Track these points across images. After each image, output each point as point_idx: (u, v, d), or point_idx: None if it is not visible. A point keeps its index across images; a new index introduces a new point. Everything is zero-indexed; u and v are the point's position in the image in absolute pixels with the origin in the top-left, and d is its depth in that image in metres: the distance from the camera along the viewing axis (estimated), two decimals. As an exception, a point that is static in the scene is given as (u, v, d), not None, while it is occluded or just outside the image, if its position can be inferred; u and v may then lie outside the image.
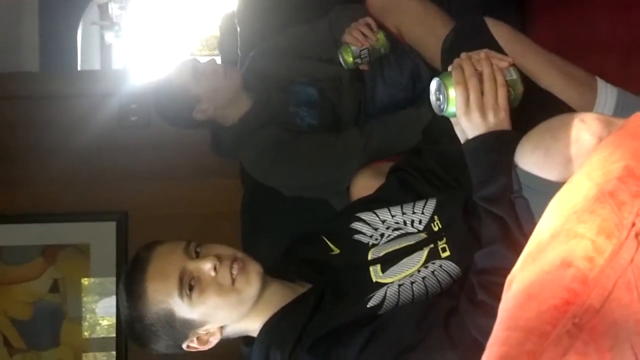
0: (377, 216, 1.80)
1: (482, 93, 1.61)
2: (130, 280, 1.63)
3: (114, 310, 3.08)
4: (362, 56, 2.33)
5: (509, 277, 0.96)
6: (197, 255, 1.62)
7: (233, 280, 1.60)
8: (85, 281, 3.14)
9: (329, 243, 1.77)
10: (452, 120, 1.68)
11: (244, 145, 2.55)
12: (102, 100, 3.26)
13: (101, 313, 3.15)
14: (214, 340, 1.66)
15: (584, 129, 1.45)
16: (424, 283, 1.60)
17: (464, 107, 1.61)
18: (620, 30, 2.32)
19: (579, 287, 0.85)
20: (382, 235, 1.75)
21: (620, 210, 0.89)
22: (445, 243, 1.67)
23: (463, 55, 1.67)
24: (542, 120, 1.61)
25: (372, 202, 1.87)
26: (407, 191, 1.89)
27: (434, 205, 1.78)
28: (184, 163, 3.13)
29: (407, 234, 1.74)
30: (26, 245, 3.12)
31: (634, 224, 0.87)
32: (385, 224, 1.78)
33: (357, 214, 1.81)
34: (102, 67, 6.22)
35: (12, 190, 3.16)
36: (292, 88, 2.55)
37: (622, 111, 1.86)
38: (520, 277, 0.94)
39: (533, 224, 1.03)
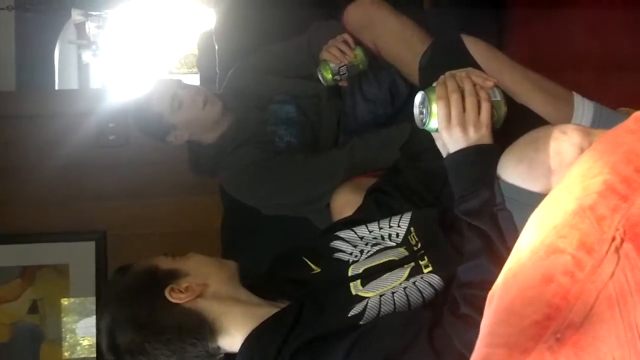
0: (355, 233, 1.81)
1: (464, 109, 1.61)
2: (114, 271, 1.76)
3: (94, 330, 3.05)
4: (340, 73, 2.33)
5: (491, 293, 0.96)
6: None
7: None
8: (64, 301, 3.11)
9: (309, 263, 1.77)
10: (434, 135, 1.68)
11: (222, 164, 2.55)
12: (79, 119, 3.24)
13: (81, 333, 3.12)
14: (196, 289, 1.66)
15: (565, 140, 1.47)
16: (405, 293, 1.60)
17: (446, 122, 1.61)
18: (596, 45, 2.34)
19: (560, 303, 0.85)
20: (361, 251, 1.75)
21: (600, 225, 0.89)
22: (428, 261, 1.67)
23: (448, 72, 1.68)
24: (520, 135, 1.62)
25: (351, 222, 1.88)
26: (384, 212, 1.89)
27: (409, 218, 1.80)
28: (163, 181, 3.12)
29: (386, 248, 1.75)
30: (4, 267, 3.09)
31: (613, 239, 0.87)
32: (363, 240, 1.78)
33: (336, 233, 1.81)
34: (79, 86, 6.19)
35: (-12, 211, 3.14)
36: (271, 107, 2.55)
37: (599, 125, 1.87)
38: (501, 292, 0.94)
39: (517, 237, 1.03)
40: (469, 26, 2.65)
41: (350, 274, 1.69)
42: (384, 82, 2.46)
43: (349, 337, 1.52)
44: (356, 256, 1.74)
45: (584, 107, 1.94)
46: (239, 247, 2.72)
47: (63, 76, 5.74)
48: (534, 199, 1.34)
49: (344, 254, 1.76)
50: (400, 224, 1.79)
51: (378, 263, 1.69)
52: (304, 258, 1.78)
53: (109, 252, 3.13)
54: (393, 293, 1.60)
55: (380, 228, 1.80)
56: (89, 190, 3.19)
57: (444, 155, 1.67)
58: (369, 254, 1.74)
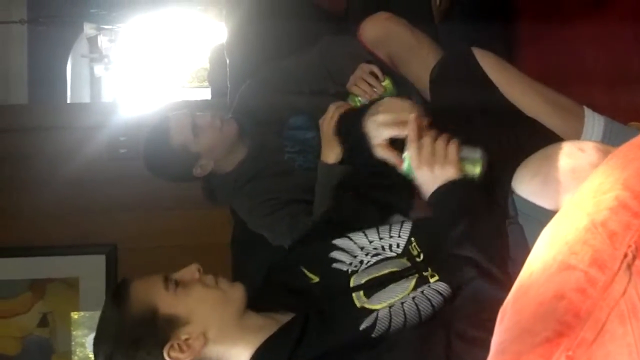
0: (354, 242, 1.79)
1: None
2: (112, 297, 1.66)
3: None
4: None
5: (502, 309, 0.96)
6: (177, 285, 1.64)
7: (217, 283, 1.65)
8: (74, 315, 3.11)
9: (308, 272, 1.76)
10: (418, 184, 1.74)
11: (238, 195, 2.54)
12: (91, 132, 3.26)
13: (91, 347, 3.11)
14: (196, 346, 1.60)
15: (581, 158, 1.46)
16: (414, 302, 1.59)
17: (415, 162, 1.68)
18: (605, 60, 2.34)
19: (572, 320, 0.84)
20: (361, 262, 1.74)
21: (612, 241, 0.88)
22: (432, 271, 1.67)
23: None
24: (529, 149, 1.62)
25: (347, 229, 1.85)
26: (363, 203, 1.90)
27: (409, 228, 1.79)
28: (174, 194, 3.12)
29: (387, 258, 1.74)
30: (14, 280, 3.10)
31: (625, 255, 0.87)
32: (363, 250, 1.77)
33: (334, 242, 1.79)
34: (91, 99, 6.22)
35: (0, 223, 3.15)
36: (288, 132, 2.54)
37: (609, 140, 1.87)
38: (513, 309, 0.93)
39: (526, 251, 1.03)
40: (479, 40, 2.66)
41: (352, 284, 1.69)
42: (399, 95, 2.44)
43: (367, 354, 1.52)
44: (356, 266, 1.73)
45: (594, 122, 1.94)
46: (249, 261, 2.72)
47: (75, 89, 5.78)
48: (545, 216, 1.34)
49: (343, 264, 1.74)
50: (400, 234, 1.79)
51: (380, 274, 1.69)
52: (302, 268, 1.77)
53: (119, 265, 3.14)
54: (402, 303, 1.59)
55: (381, 238, 1.79)
56: (100, 203, 3.20)
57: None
58: (368, 264, 1.73)
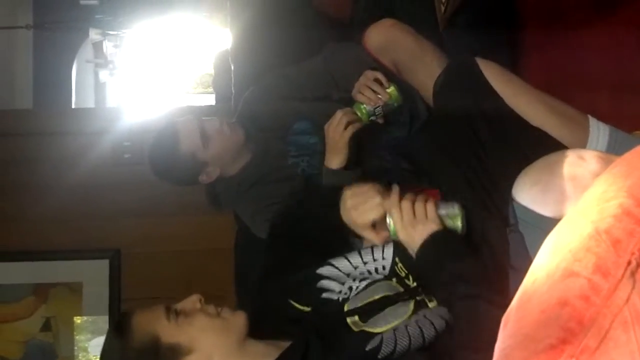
0: (339, 270, 1.80)
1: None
2: (114, 329, 1.68)
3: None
4: (376, 113, 2.29)
5: (505, 316, 0.96)
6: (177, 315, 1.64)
7: (219, 312, 1.65)
8: (77, 320, 3.11)
9: (297, 305, 1.76)
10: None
11: (242, 199, 2.54)
12: (95, 137, 3.27)
13: (94, 352, 3.12)
14: None
15: (582, 166, 1.47)
16: (418, 325, 1.61)
17: (399, 225, 1.73)
18: (611, 68, 2.33)
19: (576, 327, 0.84)
20: (350, 288, 1.75)
21: (616, 249, 0.88)
22: (426, 296, 1.70)
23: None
24: (533, 158, 1.62)
25: (329, 256, 1.86)
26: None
27: (391, 248, 1.82)
28: (178, 199, 3.12)
29: (375, 281, 1.76)
30: (17, 284, 3.10)
31: (629, 263, 0.87)
32: (350, 276, 1.78)
33: (318, 271, 1.80)
34: (96, 105, 6.24)
35: (4, 227, 3.15)
36: (291, 137, 2.54)
37: (614, 149, 1.86)
38: (516, 316, 0.93)
39: (527, 259, 1.03)
40: (484, 47, 2.66)
41: (346, 309, 1.70)
42: (404, 104, 2.44)
43: None
44: (345, 293, 1.74)
45: (599, 131, 1.94)
46: (252, 266, 2.72)
47: (80, 95, 5.79)
48: (545, 223, 1.34)
49: (333, 292, 1.75)
50: (384, 255, 1.81)
51: (374, 299, 1.70)
52: (290, 301, 1.77)
53: (122, 270, 3.14)
54: (406, 326, 1.60)
55: (365, 262, 1.81)
56: (104, 208, 3.21)
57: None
58: (358, 290, 1.74)
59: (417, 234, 1.71)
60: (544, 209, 1.50)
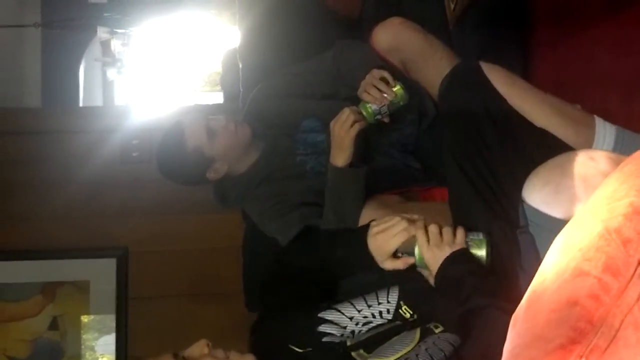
0: (342, 313, 1.80)
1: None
2: None
3: (114, 348, 3.06)
4: (382, 112, 2.29)
5: (514, 316, 0.95)
6: None
7: (227, 356, 1.63)
8: (84, 318, 3.11)
9: (297, 349, 1.76)
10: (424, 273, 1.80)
11: (250, 197, 2.54)
12: (103, 136, 3.27)
13: (100, 351, 3.12)
14: None
15: (592, 166, 1.46)
16: (428, 353, 1.61)
17: (425, 247, 1.74)
18: (622, 66, 2.32)
19: (585, 326, 0.84)
20: (352, 332, 1.76)
21: (626, 248, 0.87)
22: (433, 325, 1.70)
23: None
24: (539, 159, 1.61)
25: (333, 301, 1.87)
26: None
27: (397, 292, 1.82)
28: (185, 198, 3.12)
29: (378, 325, 1.77)
30: (25, 282, 3.10)
31: (639, 262, 0.86)
32: (353, 320, 1.79)
33: (320, 315, 1.80)
34: (104, 103, 6.25)
35: (11, 226, 3.16)
36: (299, 135, 2.53)
37: (621, 149, 1.86)
38: (525, 315, 0.93)
39: (537, 260, 1.03)
40: (493, 46, 2.65)
41: (349, 343, 1.70)
42: (413, 102, 2.43)
43: None
44: (347, 336, 1.74)
45: (605, 131, 1.93)
46: (260, 265, 2.71)
47: (88, 93, 5.80)
48: (557, 224, 1.33)
49: (334, 336, 1.75)
50: (389, 299, 1.82)
51: (378, 332, 1.72)
52: (290, 346, 1.75)
53: (130, 269, 3.14)
54: (417, 355, 1.60)
55: (369, 306, 1.81)
56: (112, 206, 3.21)
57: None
58: (360, 333, 1.75)
59: (442, 254, 1.72)
60: (555, 210, 1.50)
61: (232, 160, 2.48)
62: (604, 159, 1.48)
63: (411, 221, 1.82)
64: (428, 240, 1.76)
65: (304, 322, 1.81)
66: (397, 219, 1.84)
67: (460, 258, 1.71)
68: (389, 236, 1.82)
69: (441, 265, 1.72)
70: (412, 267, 1.82)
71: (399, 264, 1.82)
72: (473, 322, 1.57)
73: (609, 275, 0.86)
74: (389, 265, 1.84)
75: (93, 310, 3.12)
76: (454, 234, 1.75)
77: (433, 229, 1.76)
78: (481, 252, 1.74)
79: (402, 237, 1.81)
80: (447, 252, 1.72)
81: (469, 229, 1.79)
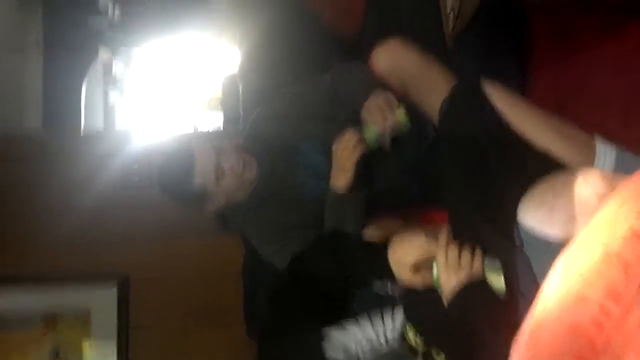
0: (349, 333, 1.82)
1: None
2: None
3: (115, 376, 3.05)
4: (385, 136, 2.30)
5: (516, 343, 0.94)
6: None
7: None
8: (86, 347, 3.09)
9: None
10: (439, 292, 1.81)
11: (249, 221, 2.53)
12: (104, 160, 3.26)
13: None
14: None
15: (587, 187, 1.46)
16: None
17: (443, 267, 1.76)
18: (621, 87, 2.32)
19: (589, 354, 0.83)
20: (358, 358, 1.79)
21: (627, 273, 0.87)
22: (436, 352, 1.70)
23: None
24: (539, 180, 1.61)
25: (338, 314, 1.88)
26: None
27: (401, 312, 1.84)
28: (187, 223, 3.11)
29: (383, 353, 1.79)
30: (26, 311, 3.09)
31: (640, 287, 0.86)
32: (357, 343, 1.81)
33: (325, 330, 1.82)
34: (105, 126, 6.25)
35: (12, 253, 3.14)
36: (299, 158, 2.52)
37: (622, 170, 1.85)
38: (528, 343, 0.92)
39: (533, 282, 1.02)
40: (492, 65, 2.65)
41: None
42: (412, 124, 2.43)
43: None
44: None
45: (605, 153, 1.93)
46: (259, 290, 2.71)
47: (89, 115, 5.81)
48: (552, 246, 1.33)
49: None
50: (394, 318, 1.85)
51: (379, 355, 1.75)
52: None
53: (131, 297, 3.12)
54: None
55: (373, 325, 1.83)
56: (113, 232, 3.20)
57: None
58: (365, 357, 1.78)
59: (457, 280, 1.73)
60: (551, 231, 1.49)
61: (232, 195, 2.48)
62: (597, 178, 1.48)
63: (433, 237, 1.83)
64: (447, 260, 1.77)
65: (310, 351, 1.83)
66: (419, 233, 1.86)
67: (477, 289, 1.72)
68: (407, 249, 1.84)
69: (458, 292, 1.72)
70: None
71: (417, 280, 1.83)
72: (475, 345, 1.57)
73: (610, 300, 0.86)
74: (406, 277, 1.84)
75: (94, 338, 3.10)
76: (472, 256, 1.76)
77: (452, 250, 1.77)
78: (499, 283, 1.73)
79: (420, 251, 1.83)
80: (462, 278, 1.72)
81: (484, 250, 1.79)
